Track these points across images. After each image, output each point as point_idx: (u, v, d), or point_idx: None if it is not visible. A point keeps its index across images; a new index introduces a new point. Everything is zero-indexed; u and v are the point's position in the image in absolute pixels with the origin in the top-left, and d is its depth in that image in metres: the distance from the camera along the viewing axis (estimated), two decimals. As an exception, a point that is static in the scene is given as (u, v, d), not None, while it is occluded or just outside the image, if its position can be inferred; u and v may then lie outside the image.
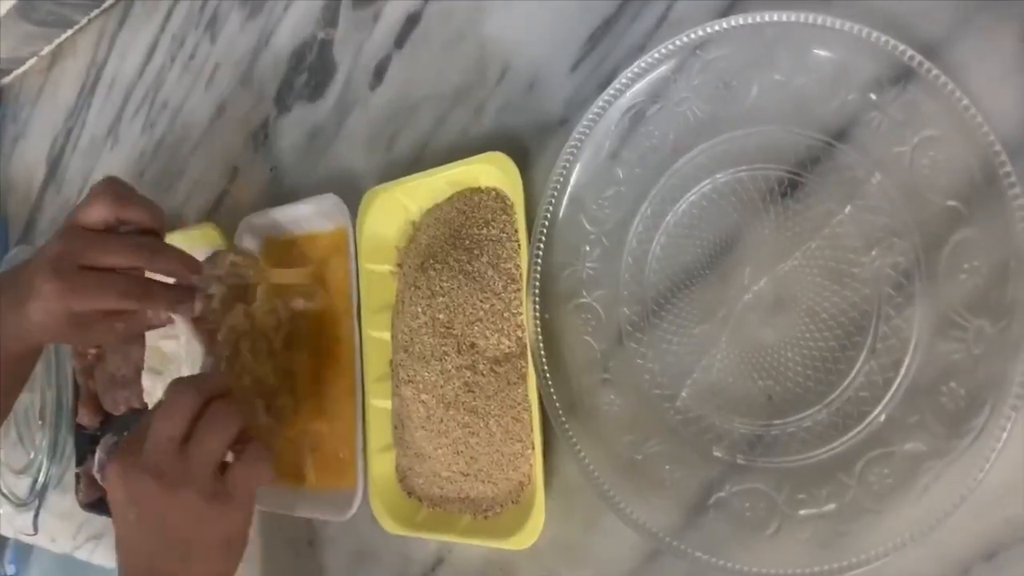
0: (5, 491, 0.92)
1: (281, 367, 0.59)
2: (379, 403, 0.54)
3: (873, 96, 0.36)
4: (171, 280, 0.55)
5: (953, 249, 0.34)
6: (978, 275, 0.33)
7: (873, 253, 0.36)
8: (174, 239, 0.69)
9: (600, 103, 0.43)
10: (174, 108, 0.78)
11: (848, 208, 0.37)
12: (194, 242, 0.68)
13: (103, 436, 0.78)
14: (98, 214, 0.51)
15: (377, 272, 0.55)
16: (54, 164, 0.96)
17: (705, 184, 0.41)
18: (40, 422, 0.86)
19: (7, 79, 1.08)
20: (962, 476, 0.33)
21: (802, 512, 0.37)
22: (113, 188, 0.52)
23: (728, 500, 0.39)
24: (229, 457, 0.49)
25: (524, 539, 0.45)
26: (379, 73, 0.59)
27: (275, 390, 0.58)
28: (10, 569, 2.19)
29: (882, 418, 0.35)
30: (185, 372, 0.62)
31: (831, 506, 0.36)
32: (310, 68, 0.64)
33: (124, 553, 0.49)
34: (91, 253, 0.51)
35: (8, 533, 1.01)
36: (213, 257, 0.56)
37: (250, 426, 0.51)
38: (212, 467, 0.47)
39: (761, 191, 0.39)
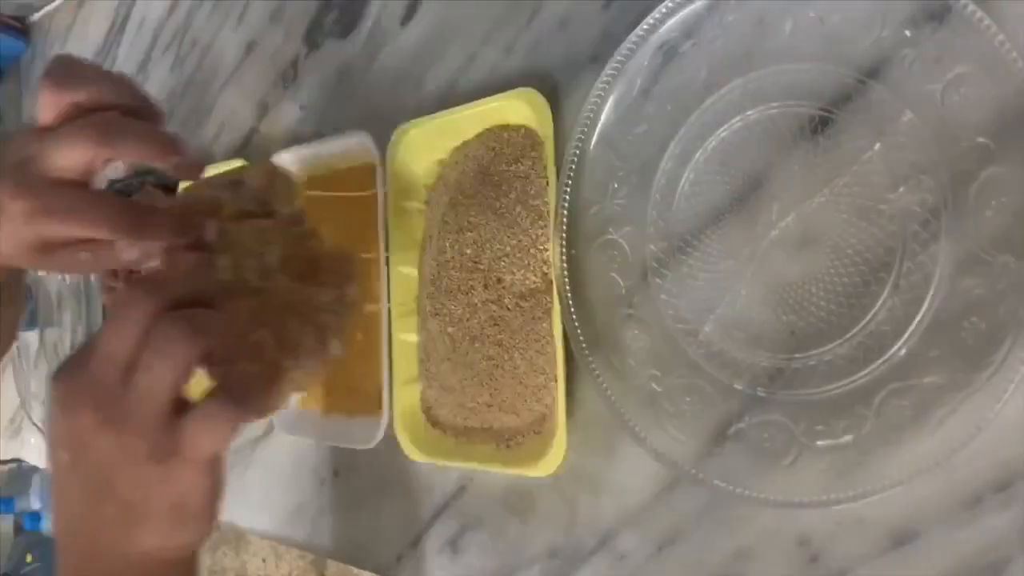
0: (36, 422, 0.95)
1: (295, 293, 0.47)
2: (406, 337, 0.55)
3: (908, 33, 0.36)
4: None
5: (981, 186, 0.34)
6: (1005, 211, 0.34)
7: (901, 190, 0.36)
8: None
9: (633, 39, 0.43)
10: (204, 46, 0.79)
11: (878, 145, 0.37)
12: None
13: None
14: (44, 101, 0.41)
15: (406, 209, 0.56)
16: (83, 102, 0.97)
17: (736, 121, 0.41)
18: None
19: (36, 16, 1.09)
20: (979, 409, 0.34)
21: (820, 443, 0.38)
22: (52, 76, 0.41)
23: (747, 431, 0.40)
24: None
25: (545, 467, 0.46)
26: (410, 10, 0.59)
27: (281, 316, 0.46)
28: (36, 504, 2.25)
29: (903, 352, 0.36)
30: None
31: (848, 437, 0.37)
32: (340, 5, 0.64)
33: (56, 505, 0.38)
34: (52, 156, 0.40)
35: (38, 462, 1.04)
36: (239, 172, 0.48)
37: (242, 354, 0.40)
38: (157, 406, 0.35)
39: (791, 128, 0.40)
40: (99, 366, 0.35)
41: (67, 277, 0.86)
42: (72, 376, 0.36)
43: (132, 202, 0.43)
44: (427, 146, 0.55)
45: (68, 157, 0.40)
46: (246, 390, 0.37)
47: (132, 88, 0.43)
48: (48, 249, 0.42)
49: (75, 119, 0.40)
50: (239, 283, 0.44)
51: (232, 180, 0.47)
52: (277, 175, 0.48)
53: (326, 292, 0.46)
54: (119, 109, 0.42)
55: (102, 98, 0.41)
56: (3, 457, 1.10)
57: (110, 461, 0.35)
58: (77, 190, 0.41)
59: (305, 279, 0.46)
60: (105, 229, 0.41)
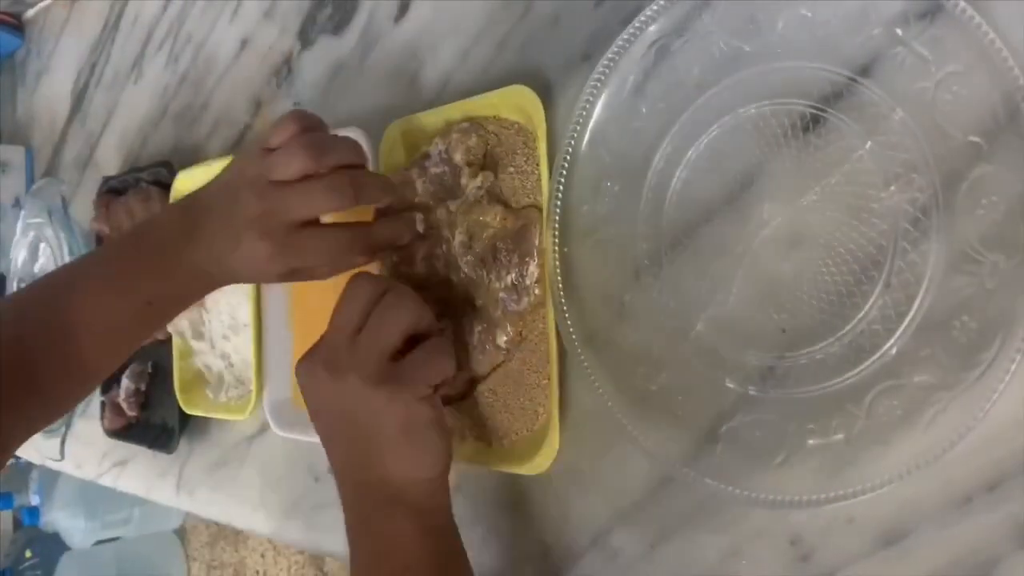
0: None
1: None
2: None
3: (899, 31, 0.36)
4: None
5: (972, 184, 0.34)
6: (995, 210, 0.34)
7: (892, 188, 0.36)
8: (196, 172, 0.70)
9: (625, 36, 0.43)
10: (198, 42, 0.79)
11: (869, 144, 0.37)
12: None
13: (128, 367, 0.80)
14: (295, 168, 0.46)
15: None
16: (78, 98, 0.97)
17: (727, 119, 0.41)
18: (66, 352, 0.88)
19: (31, 12, 1.08)
20: (969, 408, 0.34)
21: (811, 442, 0.38)
22: (308, 139, 0.47)
23: (738, 429, 0.40)
24: None
25: (538, 465, 0.46)
26: (403, 7, 0.59)
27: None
28: (35, 500, 2.26)
29: (893, 351, 0.36)
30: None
31: (839, 436, 0.37)
32: (334, 2, 0.64)
33: (327, 451, 0.47)
34: (299, 209, 0.46)
35: (36, 459, 1.04)
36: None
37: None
38: (381, 353, 0.44)
39: (783, 126, 0.39)
40: (330, 337, 0.45)
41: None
42: (308, 354, 0.46)
43: (357, 228, 0.50)
44: (420, 142, 0.55)
45: (310, 209, 0.47)
46: (447, 345, 0.47)
47: (363, 151, 0.50)
48: (293, 273, 0.49)
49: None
50: (431, 274, 0.52)
51: (418, 157, 0.52)
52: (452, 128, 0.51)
53: (504, 276, 0.49)
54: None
55: (342, 163, 0.48)
56: (0, 454, 1.10)
57: (346, 403, 0.44)
58: (314, 230, 0.48)
59: (487, 263, 0.49)
60: (343, 255, 0.49)
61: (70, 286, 0.51)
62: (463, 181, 0.50)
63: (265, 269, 0.48)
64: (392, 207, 0.52)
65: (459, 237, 0.50)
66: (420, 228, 0.52)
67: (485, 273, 0.49)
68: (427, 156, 0.52)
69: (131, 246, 0.52)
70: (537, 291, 0.48)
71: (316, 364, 0.45)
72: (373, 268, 0.54)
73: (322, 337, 0.46)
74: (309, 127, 0.48)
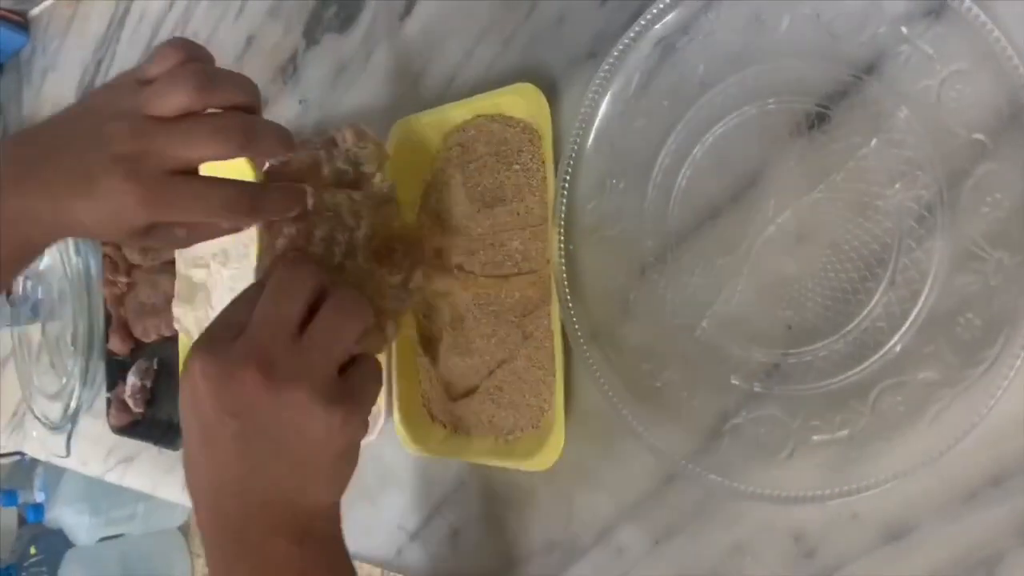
0: (39, 415, 0.95)
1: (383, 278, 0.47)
2: (406, 332, 0.55)
3: (904, 29, 0.36)
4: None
5: (976, 182, 0.34)
6: (1000, 208, 0.34)
7: (897, 186, 0.36)
8: (204, 168, 0.70)
9: (630, 35, 0.43)
10: (203, 40, 0.78)
11: (874, 141, 0.37)
12: (224, 173, 0.69)
13: (134, 362, 0.81)
14: (177, 102, 0.39)
15: (402, 204, 0.56)
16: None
17: (733, 117, 0.41)
18: (72, 348, 0.89)
19: (36, 10, 1.08)
20: (973, 405, 0.34)
21: (815, 438, 0.38)
22: (194, 69, 0.40)
23: (743, 426, 0.41)
24: None
25: (543, 461, 0.46)
26: (408, 5, 0.59)
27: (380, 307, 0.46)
28: (40, 497, 2.26)
29: (898, 348, 0.36)
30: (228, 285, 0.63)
31: (844, 432, 0.37)
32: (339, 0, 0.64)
33: (200, 478, 0.40)
34: (177, 151, 0.39)
35: (41, 456, 1.04)
36: (320, 137, 0.48)
37: None
38: (337, 363, 0.39)
39: (788, 124, 0.40)
40: (264, 331, 0.38)
41: (68, 271, 0.86)
42: (223, 348, 0.38)
43: (244, 185, 0.43)
44: (425, 140, 0.55)
45: (191, 153, 0.40)
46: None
47: (257, 90, 0.44)
48: (150, 230, 0.41)
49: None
50: (327, 256, 0.46)
51: (325, 140, 0.48)
52: (367, 135, 0.49)
53: (395, 275, 0.47)
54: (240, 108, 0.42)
55: (236, 101, 0.42)
56: (6, 450, 1.11)
57: (281, 418, 0.37)
58: (192, 180, 0.41)
59: (381, 259, 0.47)
60: (222, 215, 0.42)
61: None
62: (373, 179, 0.48)
63: (122, 220, 0.40)
64: (283, 171, 0.47)
65: (364, 230, 0.46)
66: (309, 204, 0.46)
67: (377, 267, 0.47)
68: (335, 144, 0.48)
69: None
70: (413, 298, 0.48)
71: (245, 367, 0.37)
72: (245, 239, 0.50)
73: (224, 332, 0.39)
74: (196, 57, 0.41)
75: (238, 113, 0.41)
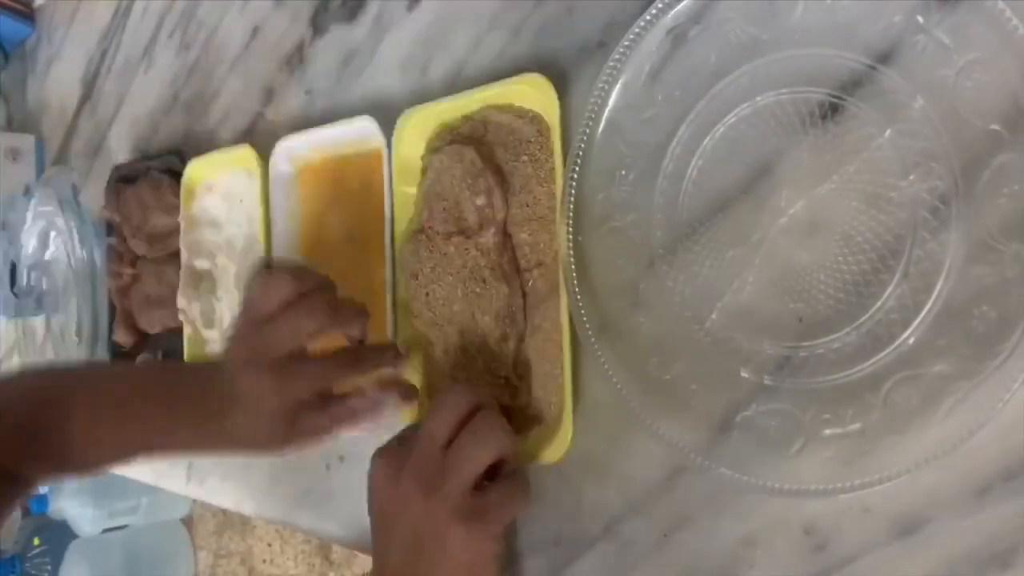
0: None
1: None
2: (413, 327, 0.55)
3: (920, 18, 0.36)
4: None
5: (993, 173, 0.34)
6: (1016, 199, 0.33)
7: (911, 177, 0.36)
8: (210, 159, 0.70)
9: (641, 23, 0.43)
10: (209, 30, 0.78)
11: (888, 132, 0.37)
12: (230, 164, 0.69)
13: (139, 354, 0.80)
14: (277, 298, 0.49)
15: (411, 194, 0.56)
16: (89, 86, 0.97)
17: (745, 107, 0.41)
18: (77, 340, 0.88)
19: (41, 0, 1.08)
20: (987, 398, 0.33)
21: (826, 431, 0.38)
22: (285, 272, 0.50)
23: (753, 419, 0.40)
24: None
25: (551, 454, 0.46)
26: (416, -6, 0.58)
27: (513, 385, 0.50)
28: (43, 488, 2.26)
29: (911, 341, 0.36)
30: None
31: (856, 426, 0.37)
32: (346, -11, 0.64)
33: (378, 553, 0.46)
34: (284, 339, 0.49)
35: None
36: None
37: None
38: (470, 480, 0.43)
39: (801, 114, 0.39)
40: (423, 443, 0.45)
41: (73, 263, 0.86)
42: (397, 452, 0.46)
43: (346, 352, 0.51)
44: (432, 131, 0.54)
45: (307, 332, 0.49)
46: (526, 481, 0.47)
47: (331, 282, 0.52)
48: (297, 416, 0.49)
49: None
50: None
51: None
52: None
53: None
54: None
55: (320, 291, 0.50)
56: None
57: (423, 522, 0.43)
58: (299, 358, 0.49)
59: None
60: (332, 375, 0.50)
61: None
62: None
63: (269, 407, 0.48)
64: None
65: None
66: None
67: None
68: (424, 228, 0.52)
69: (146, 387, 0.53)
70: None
71: (404, 473, 0.45)
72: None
73: (408, 438, 0.47)
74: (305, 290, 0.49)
75: (319, 295, 0.50)
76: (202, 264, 0.72)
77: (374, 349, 0.53)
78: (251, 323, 0.49)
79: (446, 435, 0.45)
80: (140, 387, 0.53)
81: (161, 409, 0.51)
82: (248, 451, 0.51)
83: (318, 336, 0.49)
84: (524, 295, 0.49)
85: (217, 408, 0.49)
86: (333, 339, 0.52)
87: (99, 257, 0.85)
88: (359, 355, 0.52)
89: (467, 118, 0.52)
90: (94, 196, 0.87)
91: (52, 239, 0.95)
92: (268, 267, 0.51)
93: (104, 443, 0.51)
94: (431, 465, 0.44)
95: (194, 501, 2.14)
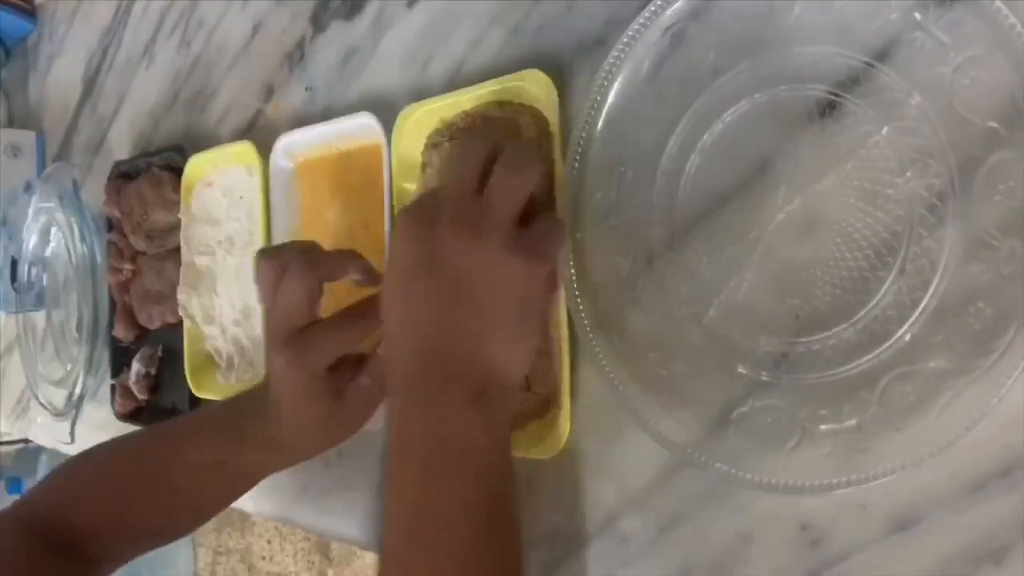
0: (43, 401, 0.95)
1: None
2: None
3: (918, 16, 0.36)
4: None
5: (989, 170, 0.34)
6: (1013, 196, 0.33)
7: (908, 174, 0.36)
8: (208, 157, 0.70)
9: (640, 21, 0.43)
10: (209, 27, 0.78)
11: (885, 129, 0.37)
12: (230, 160, 0.69)
13: (139, 349, 0.81)
14: (266, 284, 0.48)
15: (410, 191, 0.56)
16: (90, 83, 0.97)
17: (743, 104, 0.41)
18: (77, 335, 0.89)
19: (42, -3, 1.08)
20: (983, 395, 0.34)
21: (823, 427, 0.38)
22: (263, 259, 0.48)
23: (750, 415, 0.40)
24: None
25: (549, 449, 0.46)
26: (417, -9, 0.59)
27: None
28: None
29: (907, 337, 0.36)
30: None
31: (852, 422, 0.37)
32: (347, -13, 0.64)
33: (392, 327, 0.43)
34: (287, 316, 0.48)
35: (45, 442, 1.05)
36: None
37: None
38: (513, 210, 0.40)
39: (799, 111, 0.39)
40: (453, 188, 0.41)
41: (73, 258, 0.86)
42: (424, 203, 0.42)
43: (353, 310, 0.50)
44: (432, 127, 0.55)
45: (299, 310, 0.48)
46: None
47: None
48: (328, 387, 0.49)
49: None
50: None
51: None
52: None
53: None
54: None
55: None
56: (11, 437, 1.11)
57: (467, 262, 0.40)
58: (319, 323, 0.48)
59: None
60: (348, 334, 0.49)
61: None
62: None
63: (291, 383, 0.48)
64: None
65: None
66: None
67: None
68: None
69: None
70: None
71: (439, 217, 0.40)
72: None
73: (433, 192, 0.43)
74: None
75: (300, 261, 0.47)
76: (202, 260, 0.72)
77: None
78: (265, 323, 0.49)
79: (478, 175, 0.41)
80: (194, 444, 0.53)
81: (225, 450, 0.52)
82: (308, 445, 0.51)
83: (316, 298, 0.47)
84: None
85: (260, 423, 0.50)
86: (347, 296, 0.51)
87: (99, 253, 0.86)
88: (366, 299, 0.50)
89: (467, 114, 0.52)
90: (95, 192, 0.88)
91: (53, 235, 0.95)
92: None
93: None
94: (470, 206, 0.40)
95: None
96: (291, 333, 0.47)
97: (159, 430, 0.57)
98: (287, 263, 0.47)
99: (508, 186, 0.41)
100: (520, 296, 0.40)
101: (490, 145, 0.42)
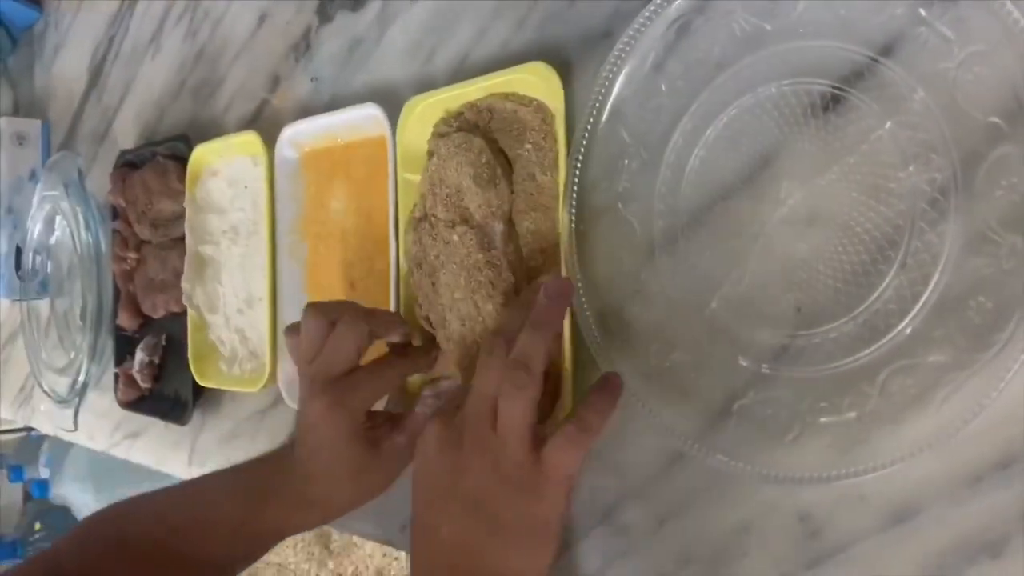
0: (47, 389, 0.96)
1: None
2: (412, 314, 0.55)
3: (922, 11, 0.36)
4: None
5: (992, 165, 0.34)
6: (1015, 192, 0.34)
7: (910, 169, 0.36)
8: (213, 147, 0.70)
9: (646, 13, 0.43)
10: (215, 18, 0.79)
11: (888, 124, 0.37)
12: (235, 150, 0.69)
13: (143, 338, 0.81)
14: (317, 334, 0.49)
15: (415, 182, 0.56)
16: (96, 72, 0.97)
17: (747, 98, 0.41)
18: (81, 323, 0.89)
19: (48, -14, 1.09)
20: (982, 388, 0.34)
21: (823, 420, 0.38)
22: (312, 312, 0.49)
23: (751, 407, 0.41)
24: None
25: (550, 440, 0.46)
26: (423, -17, 0.59)
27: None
28: (44, 473, 2.28)
29: (908, 331, 0.36)
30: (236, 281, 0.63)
31: (852, 415, 0.38)
32: (353, -23, 0.64)
33: (431, 525, 0.44)
34: (333, 365, 0.49)
35: (49, 430, 1.05)
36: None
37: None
38: (521, 435, 0.41)
39: (803, 105, 0.40)
40: (472, 404, 0.43)
41: (78, 247, 0.86)
42: (450, 416, 0.44)
43: (388, 358, 0.53)
44: (437, 119, 0.55)
45: (351, 352, 0.49)
46: (592, 416, 0.42)
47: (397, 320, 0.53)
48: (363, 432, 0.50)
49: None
50: None
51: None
52: None
53: None
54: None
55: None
56: (14, 424, 1.12)
57: (486, 485, 0.41)
58: (358, 369, 0.50)
59: None
60: (386, 380, 0.51)
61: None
62: None
63: (331, 427, 0.49)
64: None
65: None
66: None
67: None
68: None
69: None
70: None
71: (460, 435, 0.42)
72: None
73: (460, 400, 0.44)
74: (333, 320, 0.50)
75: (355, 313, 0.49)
76: (206, 249, 0.72)
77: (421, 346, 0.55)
78: (301, 376, 0.50)
79: (491, 392, 0.42)
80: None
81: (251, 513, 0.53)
82: (339, 498, 0.52)
83: (365, 349, 0.49)
84: (528, 283, 0.50)
85: (286, 480, 0.52)
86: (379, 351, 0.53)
87: (104, 241, 0.86)
88: (405, 349, 0.53)
89: (471, 105, 0.52)
90: (100, 181, 0.88)
91: (57, 223, 0.95)
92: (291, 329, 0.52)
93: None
94: (482, 426, 0.42)
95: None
96: (332, 379, 0.49)
97: (182, 492, 0.58)
98: (339, 316, 0.48)
99: (514, 420, 0.41)
100: (539, 518, 0.41)
101: (503, 352, 0.42)
